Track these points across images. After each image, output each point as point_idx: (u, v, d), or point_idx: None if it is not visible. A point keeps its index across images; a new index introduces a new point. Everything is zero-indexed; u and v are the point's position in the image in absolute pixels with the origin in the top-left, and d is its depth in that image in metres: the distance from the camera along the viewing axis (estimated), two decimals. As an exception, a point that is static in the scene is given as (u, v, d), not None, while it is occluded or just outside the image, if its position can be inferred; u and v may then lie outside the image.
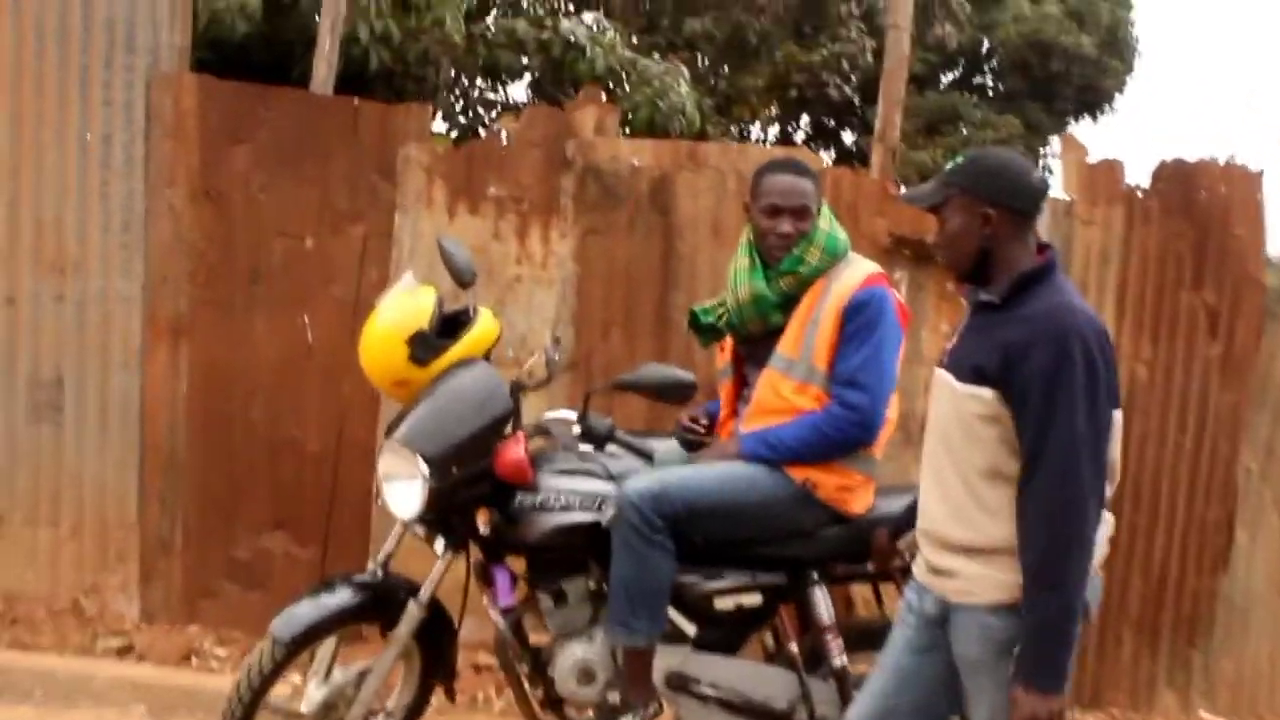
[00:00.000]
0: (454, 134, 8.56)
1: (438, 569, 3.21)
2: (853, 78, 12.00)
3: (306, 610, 3.13)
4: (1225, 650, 4.73)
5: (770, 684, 3.26)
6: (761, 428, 3.19)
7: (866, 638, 3.26)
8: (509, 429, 3.22)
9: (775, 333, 3.24)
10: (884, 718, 2.68)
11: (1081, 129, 16.29)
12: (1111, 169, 4.59)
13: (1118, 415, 2.43)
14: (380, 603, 3.23)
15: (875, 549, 3.11)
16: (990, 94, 16.44)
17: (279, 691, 3.28)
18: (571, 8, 10.26)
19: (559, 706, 3.26)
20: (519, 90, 9.56)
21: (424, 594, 3.20)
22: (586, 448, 3.22)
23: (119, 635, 4.58)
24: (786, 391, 3.17)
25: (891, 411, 3.24)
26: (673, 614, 3.16)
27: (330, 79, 4.97)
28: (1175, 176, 4.59)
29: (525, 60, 8.19)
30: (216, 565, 4.75)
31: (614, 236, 4.62)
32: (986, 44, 16.11)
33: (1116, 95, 15.98)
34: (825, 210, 3.32)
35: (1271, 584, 4.73)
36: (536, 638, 3.30)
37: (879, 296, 3.15)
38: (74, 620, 4.66)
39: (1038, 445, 2.33)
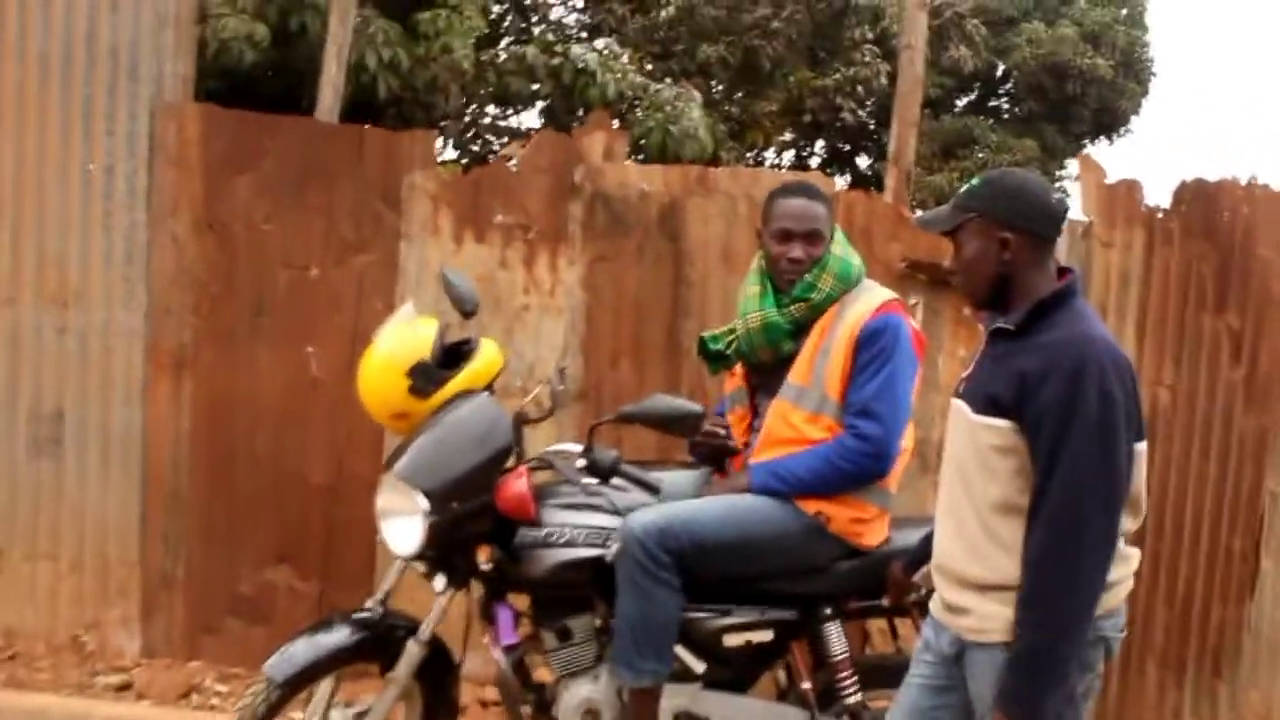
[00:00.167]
0: (465, 161, 8.53)
1: (438, 607, 3.12)
2: (867, 102, 11.96)
3: (302, 650, 3.05)
4: (1252, 681, 4.61)
5: (782, 724, 3.16)
6: (771, 459, 3.11)
7: (882, 675, 3.17)
8: (511, 462, 3.14)
9: (786, 361, 3.17)
10: (902, 759, 2.59)
11: (1098, 151, 16.26)
12: (1131, 190, 4.51)
13: (1141, 448, 2.33)
14: (379, 641, 3.14)
15: (890, 583, 3.03)
16: (1006, 117, 16.44)
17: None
18: (585, 35, 10.26)
19: (564, 747, 3.16)
20: (532, 117, 9.55)
21: (424, 632, 3.11)
22: (591, 481, 3.13)
23: (119, 672, 4.52)
24: (798, 421, 3.10)
25: (907, 441, 3.18)
26: (681, 652, 3.08)
27: (336, 107, 4.94)
28: (1197, 197, 4.50)
29: (536, 87, 8.16)
30: (219, 600, 4.69)
31: (623, 263, 4.56)
32: (1002, 67, 16.10)
33: (1132, 117, 15.95)
34: (839, 235, 3.26)
35: (1299, 613, 4.61)
36: (540, 676, 3.22)
37: (894, 324, 3.08)
38: (73, 657, 4.61)
39: (1046, 477, 2.25)
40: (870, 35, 11.83)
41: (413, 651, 3.10)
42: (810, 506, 3.06)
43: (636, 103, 8.14)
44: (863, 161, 14.14)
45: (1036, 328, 2.36)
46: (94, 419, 4.67)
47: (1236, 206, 4.48)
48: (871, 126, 12.36)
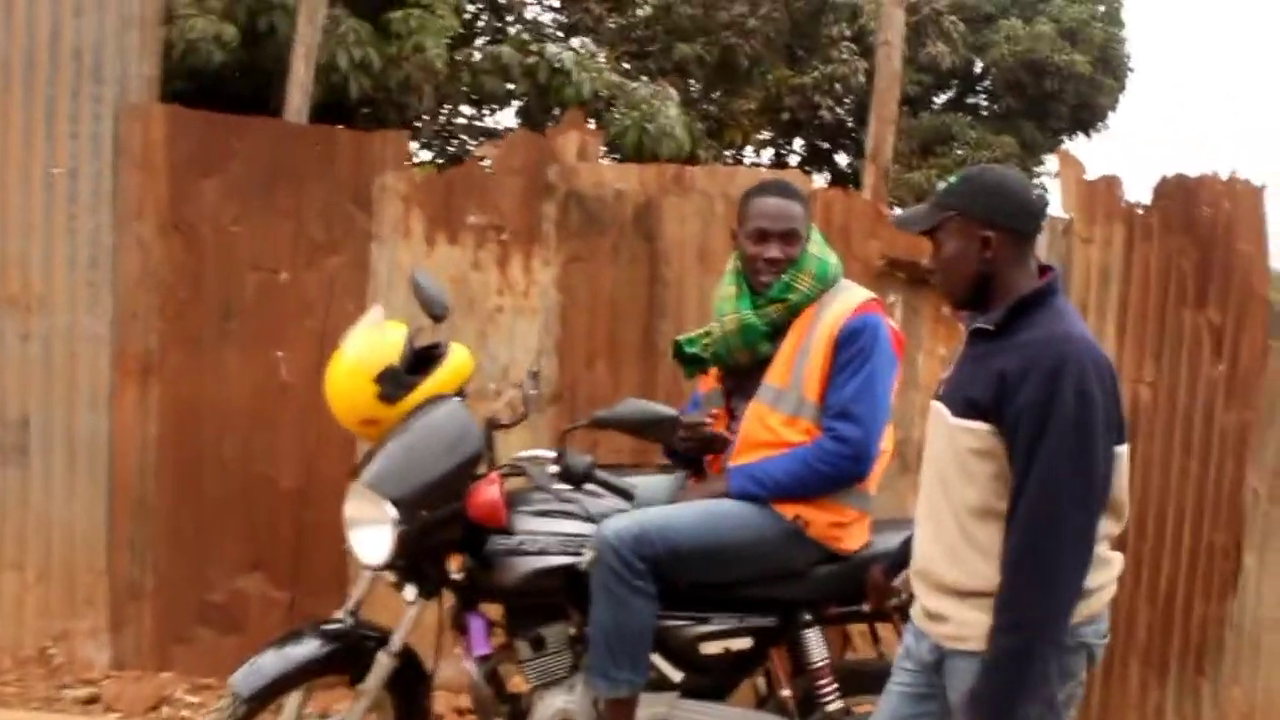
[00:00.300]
0: (440, 163, 8.46)
1: (409, 617, 3.06)
2: (845, 100, 11.93)
3: (270, 662, 2.98)
4: (1235, 678, 4.59)
5: (761, 732, 3.11)
6: (749, 462, 3.05)
7: (863, 680, 3.13)
8: (483, 469, 3.08)
9: (763, 363, 3.12)
10: (883, 769, 2.54)
11: (1076, 147, 16.27)
12: (1110, 185, 4.48)
13: (1122, 450, 2.29)
14: (349, 653, 3.08)
15: (871, 588, 2.98)
16: (984, 114, 16.44)
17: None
18: (561, 34, 10.20)
19: (539, 758, 3.10)
20: (508, 117, 9.49)
21: (395, 643, 3.04)
22: (564, 487, 3.06)
23: (87, 685, 4.43)
24: (775, 424, 3.05)
25: (886, 443, 3.13)
26: (657, 660, 3.02)
27: (305, 107, 4.86)
28: (1177, 192, 4.47)
29: (511, 86, 8.09)
30: (189, 610, 4.61)
31: (598, 264, 4.50)
32: (980, 64, 16.10)
33: (1110, 113, 15.98)
34: (815, 234, 3.20)
35: (1282, 609, 4.59)
36: (515, 686, 3.17)
37: (872, 324, 3.04)
38: (40, 669, 4.51)
39: (1023, 477, 2.21)
40: (848, 32, 11.81)
41: (383, 663, 3.03)
42: (788, 511, 3.00)
43: (613, 102, 8.08)
44: (842, 159, 14.12)
45: (1016, 327, 2.31)
46: (59, 425, 4.58)
47: (1216, 201, 4.45)
48: (850, 124, 12.32)
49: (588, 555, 2.95)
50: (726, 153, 11.41)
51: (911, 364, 4.36)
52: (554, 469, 3.05)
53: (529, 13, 10.29)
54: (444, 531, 2.99)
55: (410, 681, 3.18)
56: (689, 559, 2.94)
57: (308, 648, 3.04)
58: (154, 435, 4.58)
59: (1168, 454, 4.49)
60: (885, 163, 4.82)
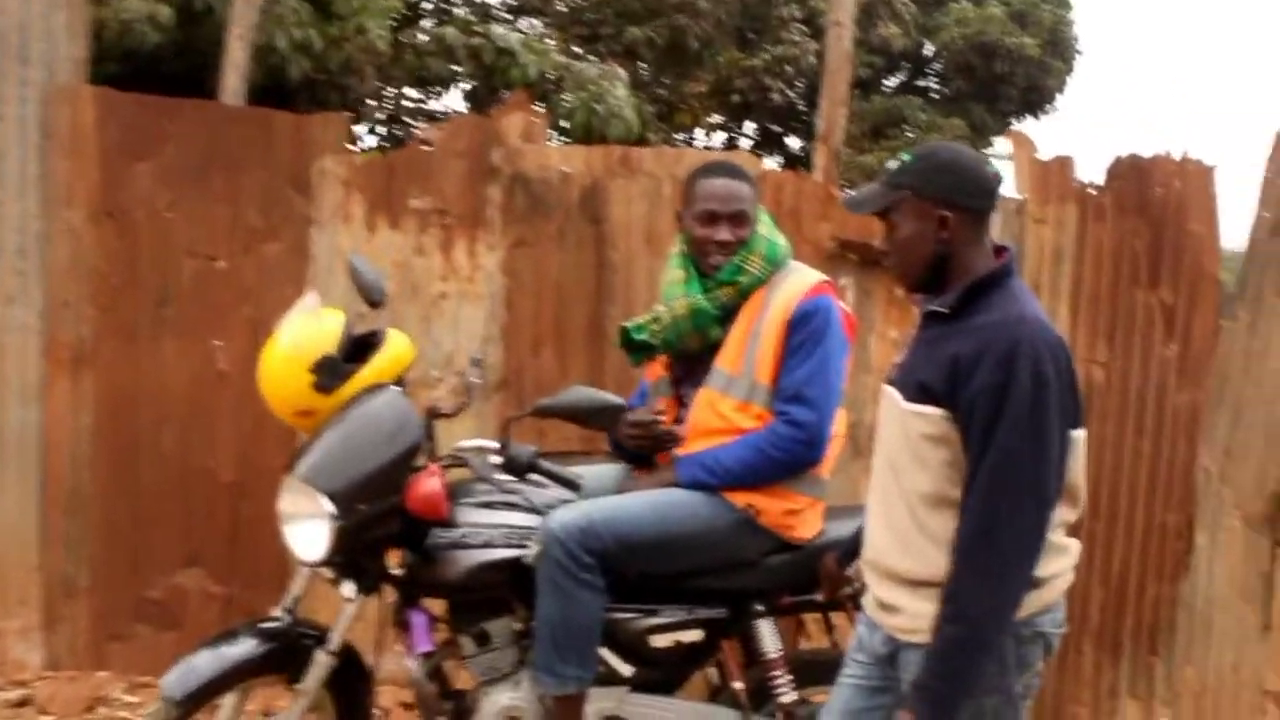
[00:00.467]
0: (385, 147, 8.33)
1: (347, 614, 2.95)
2: (796, 82, 11.91)
3: (204, 663, 2.87)
4: (1188, 657, 4.60)
5: (713, 725, 3.05)
6: (699, 450, 2.98)
7: (817, 671, 3.08)
8: (423, 460, 2.98)
9: (713, 349, 3.05)
10: (835, 764, 2.48)
11: (1026, 128, 16.35)
12: (1063, 166, 4.46)
13: (1079, 435, 2.23)
14: (287, 652, 2.97)
15: (824, 577, 2.91)
16: (935, 96, 16.49)
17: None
18: (509, 17, 10.09)
19: (485, 756, 3.02)
20: (455, 100, 9.37)
21: (333, 641, 2.94)
22: (507, 478, 2.97)
23: (19, 686, 4.29)
24: (726, 410, 2.98)
25: (838, 427, 3.07)
26: (606, 654, 2.95)
27: (241, 89, 4.74)
28: (1130, 173, 4.45)
29: (457, 68, 7.98)
30: (126, 606, 4.47)
31: (544, 248, 4.41)
32: (931, 47, 16.14)
33: (1058, 95, 16.08)
34: (764, 216, 3.14)
35: (1233, 588, 4.59)
36: (459, 682, 3.08)
37: (825, 306, 2.98)
38: (-30, 672, 4.37)
39: (976, 465, 2.15)
40: (798, 14, 11.80)
41: (321, 661, 2.93)
42: (740, 499, 2.94)
43: (561, 83, 7.99)
44: (794, 143, 14.12)
45: (971, 309, 2.25)
46: (-12, 419, 4.43)
47: (1169, 182, 4.43)
48: (801, 107, 12.30)
49: (533, 548, 2.87)
50: (677, 136, 11.36)
51: (863, 347, 4.31)
52: (497, 459, 2.97)
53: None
54: (383, 525, 2.89)
55: (351, 679, 3.08)
56: (638, 551, 2.88)
57: (243, 647, 2.93)
58: (87, 427, 4.44)
59: (1120, 434, 4.48)
60: (836, 145, 4.77)
